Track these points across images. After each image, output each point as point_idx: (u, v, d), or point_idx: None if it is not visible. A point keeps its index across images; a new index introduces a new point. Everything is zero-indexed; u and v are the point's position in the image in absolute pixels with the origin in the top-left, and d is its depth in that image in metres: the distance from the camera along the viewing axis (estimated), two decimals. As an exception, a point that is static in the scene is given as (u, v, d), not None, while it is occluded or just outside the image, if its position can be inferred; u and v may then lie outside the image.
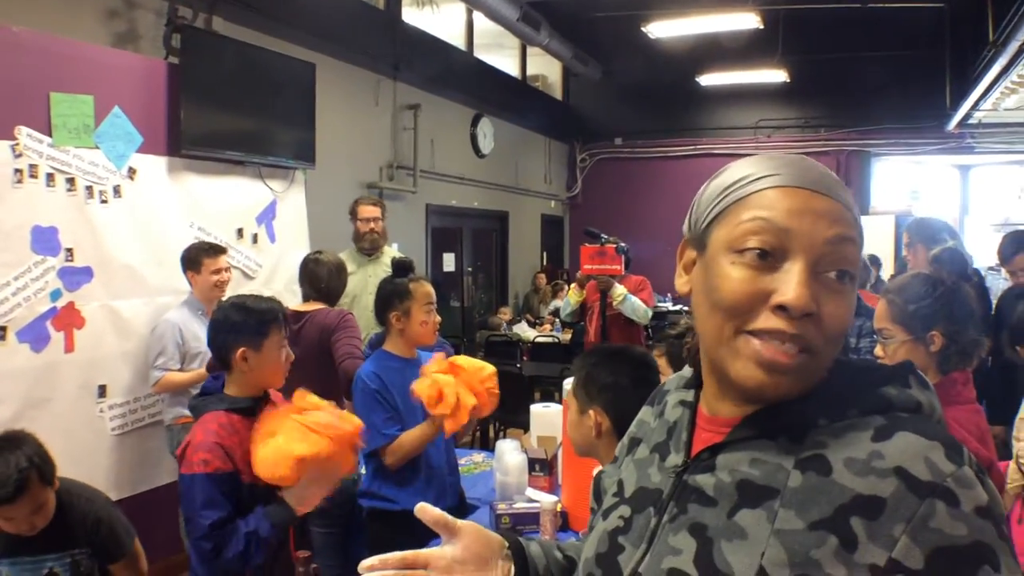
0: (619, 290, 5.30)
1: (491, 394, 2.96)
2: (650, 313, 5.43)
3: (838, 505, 0.83)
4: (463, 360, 2.99)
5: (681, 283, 1.03)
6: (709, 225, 0.96)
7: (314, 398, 2.47)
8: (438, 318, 3.13)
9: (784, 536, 0.85)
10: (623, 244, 5.55)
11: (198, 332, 4.20)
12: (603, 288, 5.32)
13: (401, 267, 3.23)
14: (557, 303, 9.79)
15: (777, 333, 0.88)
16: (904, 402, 0.92)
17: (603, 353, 2.27)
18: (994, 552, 0.79)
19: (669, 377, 1.22)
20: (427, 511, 1.16)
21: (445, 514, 1.18)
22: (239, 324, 2.47)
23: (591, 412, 2.12)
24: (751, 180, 0.94)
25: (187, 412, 4.26)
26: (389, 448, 2.94)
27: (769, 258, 0.89)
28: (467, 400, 2.84)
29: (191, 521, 2.33)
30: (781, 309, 0.87)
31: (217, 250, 4.41)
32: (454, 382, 2.86)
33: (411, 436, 2.94)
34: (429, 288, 3.11)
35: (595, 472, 1.27)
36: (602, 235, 5.46)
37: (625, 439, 1.21)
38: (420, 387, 2.85)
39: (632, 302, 5.31)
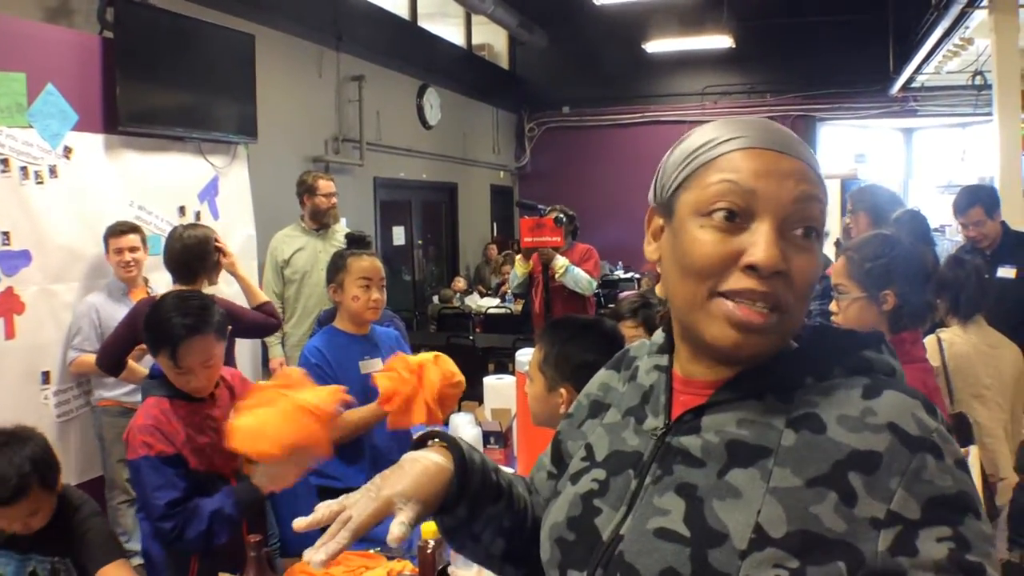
0: (560, 262, 5.30)
1: (447, 409, 2.87)
2: (594, 284, 5.42)
3: (835, 461, 0.86)
4: (444, 364, 2.86)
5: (650, 250, 1.04)
6: (676, 191, 0.98)
7: (296, 371, 2.42)
8: (377, 295, 2.99)
9: (780, 494, 0.87)
10: (570, 213, 5.55)
11: (116, 314, 4.06)
12: (544, 260, 5.32)
13: (351, 240, 3.16)
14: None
15: (748, 292, 0.90)
16: (882, 366, 0.96)
17: (574, 328, 2.21)
18: (974, 500, 0.84)
19: (634, 343, 1.22)
20: (301, 523, 1.01)
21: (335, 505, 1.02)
22: (147, 335, 2.43)
23: (562, 390, 2.08)
24: (716, 143, 0.95)
25: (108, 395, 4.23)
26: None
27: (737, 219, 0.91)
28: (418, 415, 2.77)
29: (146, 504, 2.30)
30: (751, 269, 0.89)
31: (122, 229, 4.24)
32: (414, 387, 2.76)
33: (353, 416, 2.85)
34: (368, 264, 2.99)
35: (555, 433, 1.25)
36: (540, 207, 5.46)
37: (583, 400, 1.21)
38: (382, 379, 2.78)
39: (574, 273, 5.30)
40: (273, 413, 2.25)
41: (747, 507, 0.87)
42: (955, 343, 3.30)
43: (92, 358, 4.05)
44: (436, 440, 1.13)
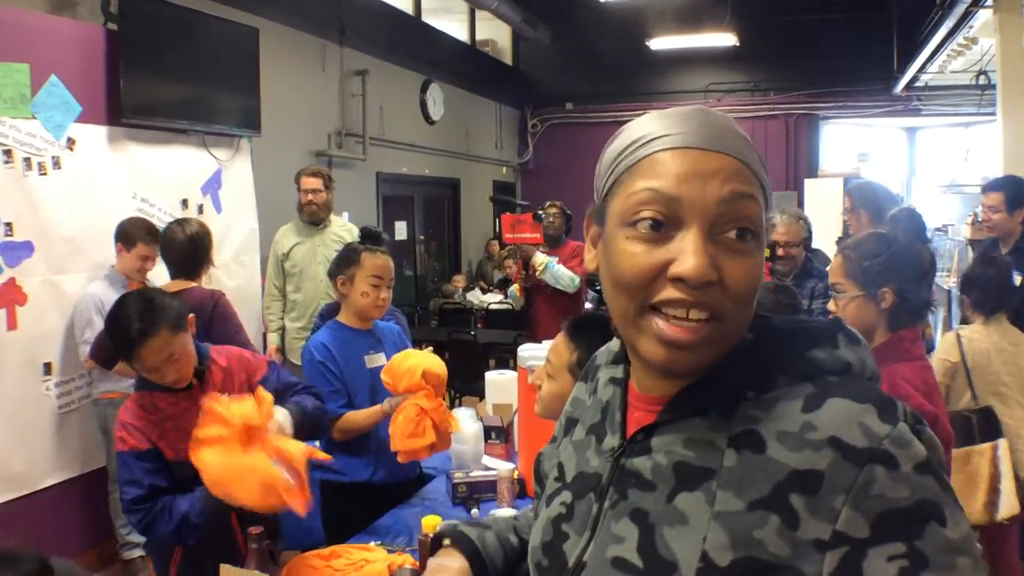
0: (540, 259, 5.31)
1: (442, 445, 2.86)
2: (577, 281, 5.41)
3: (775, 482, 0.82)
4: (428, 364, 2.83)
5: (589, 259, 0.99)
6: (606, 197, 0.94)
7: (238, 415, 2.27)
8: (385, 295, 2.97)
9: (724, 518, 0.83)
10: (567, 212, 5.58)
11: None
12: (524, 258, 5.34)
13: (365, 235, 3.13)
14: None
15: (679, 302, 0.84)
16: (833, 364, 0.89)
17: (600, 327, 2.10)
18: (938, 506, 0.78)
19: (602, 349, 1.17)
20: None
21: None
22: (110, 343, 2.42)
23: None
24: (640, 145, 0.90)
25: (113, 388, 4.22)
26: (336, 424, 2.89)
27: (663, 228, 0.86)
28: (428, 436, 2.75)
29: (120, 495, 2.36)
30: (679, 281, 0.84)
31: (155, 238, 4.22)
32: (422, 406, 2.75)
33: (360, 416, 2.89)
34: (382, 262, 2.96)
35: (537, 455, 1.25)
36: (517, 203, 5.49)
37: (562, 418, 1.18)
38: (392, 376, 2.77)
39: (554, 271, 5.30)
40: (246, 474, 2.19)
41: (693, 534, 0.84)
42: (975, 339, 3.32)
43: None
44: (448, 541, 1.21)
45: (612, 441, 1.00)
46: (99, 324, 4.13)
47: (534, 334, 5.57)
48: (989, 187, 4.53)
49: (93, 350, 3.95)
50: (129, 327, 2.26)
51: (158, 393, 2.40)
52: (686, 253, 0.84)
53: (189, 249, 3.86)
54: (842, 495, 0.78)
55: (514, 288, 5.67)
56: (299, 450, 2.32)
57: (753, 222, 0.86)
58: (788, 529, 0.80)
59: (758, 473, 0.83)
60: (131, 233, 4.23)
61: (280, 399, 2.53)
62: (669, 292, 0.85)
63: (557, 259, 5.43)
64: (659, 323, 0.86)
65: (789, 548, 0.79)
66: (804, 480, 0.80)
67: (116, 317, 2.31)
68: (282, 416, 2.43)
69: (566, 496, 1.02)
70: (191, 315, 2.45)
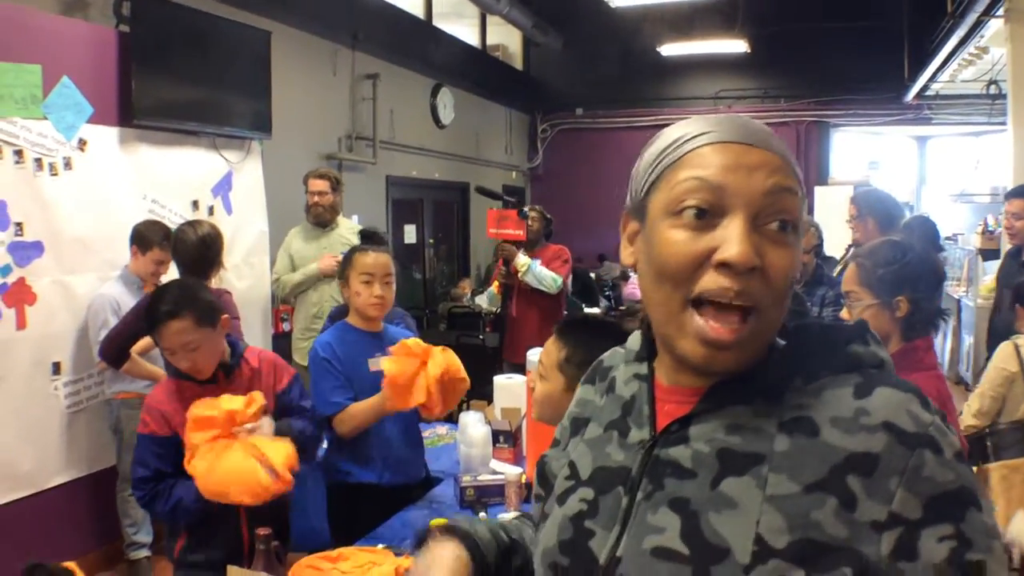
0: (521, 260, 5.36)
1: (449, 403, 2.90)
2: (560, 281, 5.46)
3: (832, 465, 0.84)
4: (450, 356, 2.89)
5: (626, 255, 1.01)
6: (647, 193, 0.95)
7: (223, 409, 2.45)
8: (380, 292, 2.96)
9: (779, 501, 0.84)
10: (547, 216, 5.64)
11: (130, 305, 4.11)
12: (505, 257, 5.37)
13: (363, 236, 3.17)
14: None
15: (723, 292, 0.86)
16: (871, 359, 0.93)
17: (596, 327, 2.21)
18: (975, 493, 0.82)
19: (607, 352, 1.19)
20: None
21: None
22: (145, 312, 2.59)
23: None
24: (684, 141, 0.93)
25: (127, 388, 4.23)
26: (338, 417, 2.91)
27: (707, 216, 0.88)
28: (418, 396, 2.79)
29: (131, 471, 2.59)
30: (724, 266, 0.86)
31: (161, 242, 4.24)
32: (418, 367, 2.80)
33: (361, 407, 2.89)
34: (371, 260, 2.95)
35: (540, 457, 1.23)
36: (505, 197, 5.54)
37: (565, 421, 1.18)
38: (387, 363, 2.79)
39: (536, 272, 5.35)
40: (232, 475, 2.37)
41: (745, 518, 0.84)
42: None
43: None
44: (440, 531, 1.20)
45: (641, 434, 0.99)
46: (115, 324, 4.16)
47: (512, 333, 5.65)
48: (1013, 194, 4.53)
49: (101, 348, 3.96)
50: (160, 305, 2.48)
51: (185, 382, 2.55)
52: (731, 240, 0.86)
53: (200, 250, 3.88)
54: (896, 477, 0.81)
55: (492, 287, 5.71)
56: (280, 453, 2.44)
57: (793, 215, 0.90)
58: (846, 511, 0.82)
59: (812, 457, 0.85)
60: (148, 237, 4.24)
61: (286, 414, 2.70)
62: (713, 280, 0.87)
63: (539, 261, 5.48)
64: (700, 322, 0.88)
65: (847, 529, 0.81)
66: (861, 462, 0.83)
67: (155, 296, 2.57)
68: (266, 422, 2.53)
69: (586, 493, 1.01)
70: (226, 316, 2.62)
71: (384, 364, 2.79)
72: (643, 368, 1.05)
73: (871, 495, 0.81)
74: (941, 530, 0.80)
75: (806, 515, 0.82)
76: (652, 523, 0.91)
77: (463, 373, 2.91)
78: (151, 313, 2.50)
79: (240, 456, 2.38)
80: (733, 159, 0.89)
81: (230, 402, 2.44)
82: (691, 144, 0.92)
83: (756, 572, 0.82)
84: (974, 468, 3.20)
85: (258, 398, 2.50)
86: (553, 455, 1.17)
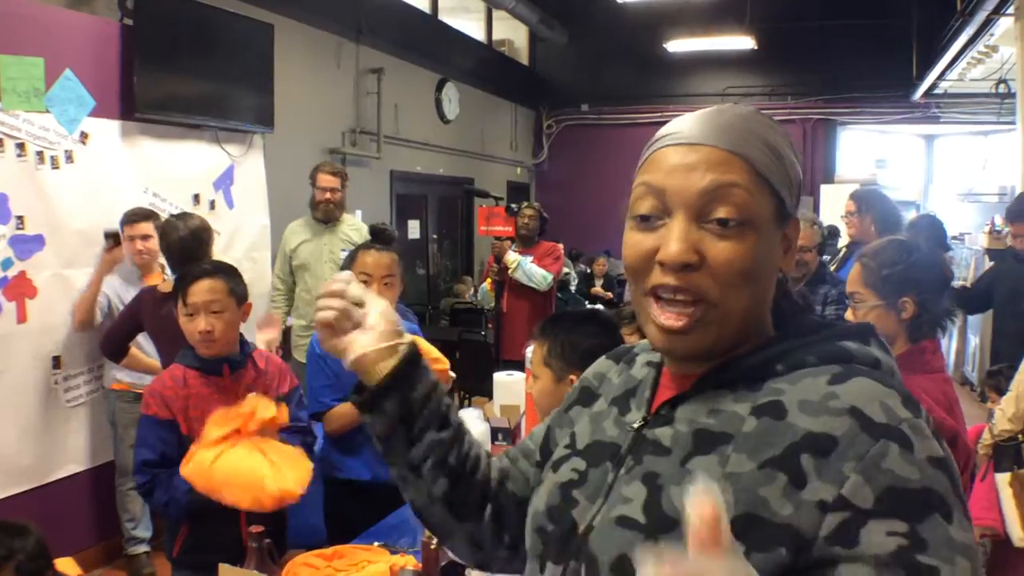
0: (511, 258, 5.45)
1: None
2: (550, 278, 5.53)
3: (789, 443, 0.84)
4: (422, 345, 2.86)
5: None
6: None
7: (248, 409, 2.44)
8: (376, 292, 2.96)
9: (733, 479, 0.86)
10: (543, 214, 5.71)
11: (130, 298, 4.12)
12: (496, 254, 5.44)
13: (373, 233, 3.12)
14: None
15: (665, 287, 0.92)
16: (864, 357, 0.93)
17: (573, 319, 2.31)
18: (946, 503, 0.78)
19: (641, 342, 1.22)
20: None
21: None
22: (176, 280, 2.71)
23: (571, 378, 2.11)
24: (651, 145, 0.99)
25: (124, 378, 4.26)
26: (325, 416, 2.92)
27: (653, 219, 0.94)
28: None
29: (134, 454, 2.57)
30: (662, 264, 0.92)
31: (134, 218, 4.26)
32: None
33: (344, 409, 2.88)
34: (371, 259, 2.92)
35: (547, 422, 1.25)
36: (492, 195, 5.58)
37: (579, 384, 1.22)
38: None
39: (526, 269, 5.45)
40: (233, 474, 2.33)
41: None
42: None
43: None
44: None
45: (636, 415, 1.04)
46: (101, 320, 4.18)
47: (504, 329, 5.70)
48: (1019, 213, 4.49)
49: (100, 344, 3.97)
50: (196, 267, 2.62)
51: (191, 371, 2.55)
52: (668, 239, 0.92)
53: (191, 243, 3.84)
54: (853, 462, 0.80)
55: (485, 284, 5.77)
56: (300, 471, 2.46)
57: (739, 209, 0.91)
58: (794, 488, 0.82)
59: (775, 437, 0.86)
60: (121, 222, 4.30)
61: None
62: (658, 276, 0.93)
63: (532, 258, 5.55)
64: (655, 309, 0.94)
65: (792, 507, 0.81)
66: (817, 442, 0.83)
67: (192, 266, 2.70)
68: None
69: (578, 463, 1.06)
70: (249, 303, 2.68)
71: None
72: (656, 356, 1.10)
73: (822, 476, 0.81)
74: (892, 525, 0.77)
75: (755, 491, 0.83)
76: (624, 494, 0.95)
77: (435, 354, 2.83)
78: (184, 274, 2.60)
79: (253, 458, 2.36)
80: (674, 161, 0.94)
81: (260, 406, 2.44)
82: (652, 148, 0.98)
83: None
84: (1009, 474, 3.14)
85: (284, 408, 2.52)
86: (557, 420, 1.20)
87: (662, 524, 0.89)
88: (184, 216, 3.96)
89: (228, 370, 2.58)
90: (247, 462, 2.36)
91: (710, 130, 0.94)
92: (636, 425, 1.01)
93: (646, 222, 0.95)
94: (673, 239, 0.91)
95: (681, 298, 0.92)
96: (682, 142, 0.95)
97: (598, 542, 0.94)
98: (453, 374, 2.91)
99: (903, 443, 0.80)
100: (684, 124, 0.97)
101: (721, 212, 0.91)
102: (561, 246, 5.75)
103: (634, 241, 0.96)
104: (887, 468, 0.79)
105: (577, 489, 1.02)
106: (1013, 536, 3.04)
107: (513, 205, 5.50)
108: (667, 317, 0.93)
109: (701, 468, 0.89)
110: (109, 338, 3.91)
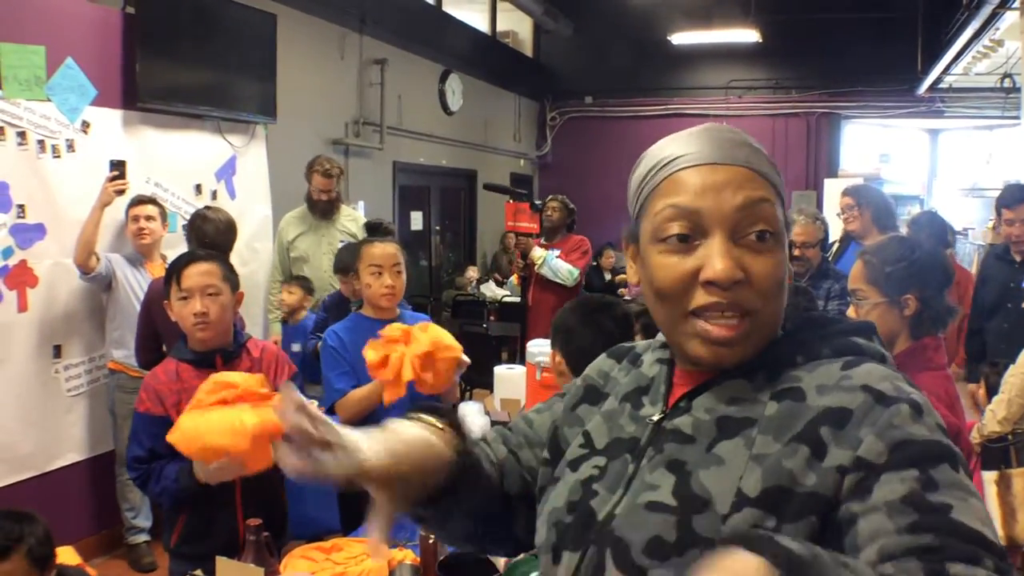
0: (537, 253, 5.45)
1: (441, 374, 2.79)
2: (576, 274, 5.50)
3: (808, 419, 0.90)
4: (433, 331, 2.83)
5: (631, 274, 1.10)
6: (637, 219, 1.05)
7: (241, 379, 2.34)
8: (390, 281, 2.98)
9: (760, 459, 0.90)
10: (570, 206, 5.69)
11: (133, 275, 4.25)
12: (522, 250, 5.43)
13: (368, 228, 3.17)
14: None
15: (714, 305, 0.94)
16: (872, 351, 0.99)
17: (576, 322, 2.44)
18: (954, 455, 0.83)
19: (641, 343, 1.24)
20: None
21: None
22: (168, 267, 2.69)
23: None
24: (660, 167, 1.01)
25: (122, 359, 4.30)
26: (339, 403, 2.93)
27: (689, 240, 0.96)
28: (405, 373, 2.72)
29: (127, 449, 2.58)
30: (710, 284, 0.94)
31: (141, 199, 4.37)
32: (402, 351, 2.73)
33: (357, 394, 2.92)
34: (379, 251, 3.00)
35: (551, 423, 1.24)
36: (515, 191, 5.58)
37: (578, 382, 1.22)
38: (367, 351, 2.76)
39: (552, 265, 5.44)
40: (214, 422, 2.22)
41: (730, 473, 0.91)
42: None
43: None
44: (439, 417, 1.08)
45: (653, 410, 1.06)
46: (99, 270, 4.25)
47: (530, 323, 5.68)
48: (1014, 199, 4.47)
49: (137, 357, 4.02)
50: (190, 253, 2.66)
51: (184, 364, 2.54)
52: (712, 258, 0.94)
53: (226, 235, 3.99)
54: (868, 427, 0.85)
55: (513, 279, 5.78)
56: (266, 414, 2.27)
57: (770, 223, 0.96)
58: (815, 459, 0.87)
59: (797, 417, 0.91)
60: (127, 206, 4.38)
61: None
62: (703, 297, 0.95)
63: (558, 252, 5.52)
64: (702, 325, 0.96)
65: (815, 476, 0.86)
66: (834, 416, 0.88)
67: (187, 253, 2.74)
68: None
69: (599, 460, 1.07)
70: (242, 292, 2.68)
71: (366, 352, 2.76)
72: (667, 354, 1.11)
73: (839, 443, 0.86)
74: (903, 474, 0.81)
75: (780, 464, 0.88)
76: (649, 482, 0.97)
77: (449, 340, 2.83)
78: (177, 259, 2.61)
79: (227, 410, 2.25)
80: (702, 181, 0.96)
81: (249, 381, 2.35)
82: (666, 171, 1.00)
83: (732, 520, 0.87)
84: (995, 472, 3.17)
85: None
86: (564, 418, 1.19)
87: (695, 505, 0.91)
88: (213, 209, 4.13)
89: (221, 362, 2.55)
90: (230, 411, 2.25)
91: (724, 150, 0.98)
92: (656, 418, 1.04)
93: (683, 243, 0.96)
94: (718, 258, 0.93)
95: (729, 314, 0.95)
96: (703, 163, 0.97)
97: (626, 527, 0.95)
98: (467, 358, 2.87)
99: (914, 408, 0.86)
100: (693, 146, 0.99)
101: (759, 227, 0.95)
102: (588, 240, 5.70)
103: (669, 264, 0.97)
104: (898, 424, 0.84)
105: (597, 483, 1.04)
106: None
107: (538, 201, 5.48)
108: (720, 330, 0.95)
109: (728, 451, 0.93)
110: (139, 350, 4.02)
